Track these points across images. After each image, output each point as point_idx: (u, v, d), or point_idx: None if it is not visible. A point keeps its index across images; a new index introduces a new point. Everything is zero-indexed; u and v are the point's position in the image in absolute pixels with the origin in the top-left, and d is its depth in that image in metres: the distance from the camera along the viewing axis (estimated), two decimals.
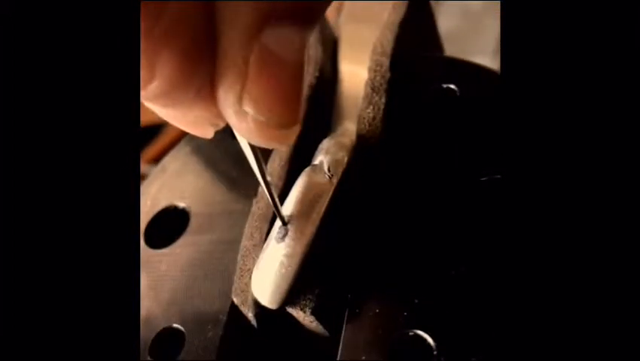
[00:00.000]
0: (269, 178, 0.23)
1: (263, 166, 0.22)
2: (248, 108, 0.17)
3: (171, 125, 0.32)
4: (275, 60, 0.17)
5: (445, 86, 0.29)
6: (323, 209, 0.25)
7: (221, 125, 0.20)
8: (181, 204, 0.31)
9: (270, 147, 0.25)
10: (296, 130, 0.19)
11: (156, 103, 0.18)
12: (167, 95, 0.17)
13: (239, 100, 0.17)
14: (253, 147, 0.21)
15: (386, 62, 0.30)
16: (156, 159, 0.32)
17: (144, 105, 0.20)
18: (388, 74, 0.29)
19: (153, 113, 0.23)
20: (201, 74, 0.17)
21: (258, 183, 0.29)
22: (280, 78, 0.17)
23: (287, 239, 0.24)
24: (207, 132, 0.20)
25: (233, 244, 0.28)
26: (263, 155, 0.22)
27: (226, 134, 0.31)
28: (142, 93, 0.17)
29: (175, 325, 0.26)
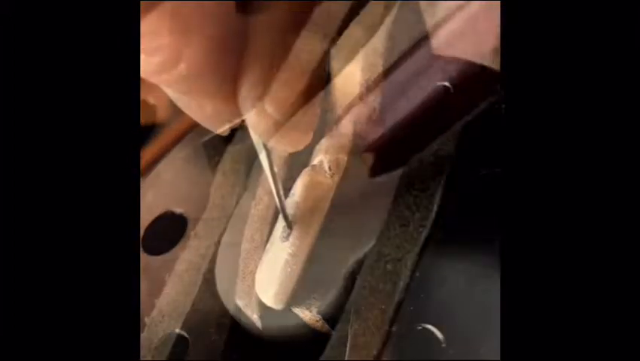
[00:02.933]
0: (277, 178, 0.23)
1: (274, 168, 0.22)
2: (269, 107, 0.18)
3: (166, 130, 0.32)
4: (301, 66, 0.18)
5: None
6: (326, 208, 0.25)
7: (237, 122, 0.20)
8: (178, 210, 0.31)
9: (283, 149, 0.26)
10: (310, 136, 0.19)
11: (178, 88, 0.18)
12: (190, 81, 0.17)
13: (262, 98, 0.18)
14: (266, 148, 0.21)
15: (379, 61, 0.30)
16: (153, 162, 0.32)
17: (143, 106, 0.20)
18: (381, 74, 0.30)
19: (151, 113, 0.23)
20: (228, 65, 0.17)
21: (254, 187, 0.29)
22: (304, 84, 0.18)
23: (291, 238, 0.24)
24: (221, 128, 0.20)
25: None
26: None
27: (222, 139, 0.32)
28: (165, 76, 0.17)
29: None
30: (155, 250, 0.30)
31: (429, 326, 0.22)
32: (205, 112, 0.20)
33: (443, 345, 0.21)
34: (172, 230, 0.30)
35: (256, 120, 0.18)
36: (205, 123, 0.20)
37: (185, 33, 0.16)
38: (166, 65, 0.16)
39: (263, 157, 0.22)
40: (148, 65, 0.16)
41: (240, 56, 0.17)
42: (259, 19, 0.17)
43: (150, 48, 0.16)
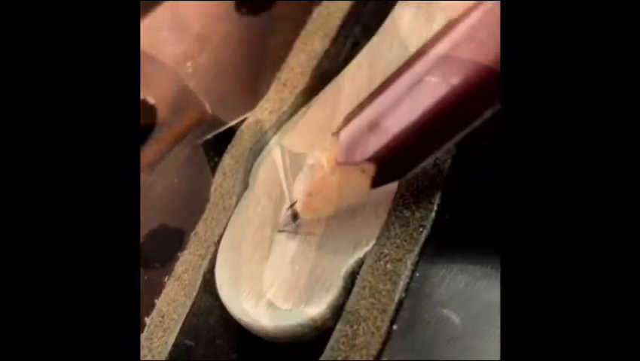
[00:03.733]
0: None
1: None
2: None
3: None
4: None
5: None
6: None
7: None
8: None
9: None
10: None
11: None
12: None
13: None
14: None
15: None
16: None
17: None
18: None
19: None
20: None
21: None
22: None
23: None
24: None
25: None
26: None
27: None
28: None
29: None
30: (153, 263, 0.30)
31: (445, 311, 0.22)
32: (225, 102, 0.20)
33: (459, 329, 0.21)
34: (169, 242, 0.30)
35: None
36: (219, 114, 0.21)
37: (209, 28, 0.17)
38: (178, 58, 0.17)
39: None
40: (168, 53, 0.17)
41: (252, 55, 0.18)
42: (271, 19, 0.18)
43: (170, 39, 0.17)
